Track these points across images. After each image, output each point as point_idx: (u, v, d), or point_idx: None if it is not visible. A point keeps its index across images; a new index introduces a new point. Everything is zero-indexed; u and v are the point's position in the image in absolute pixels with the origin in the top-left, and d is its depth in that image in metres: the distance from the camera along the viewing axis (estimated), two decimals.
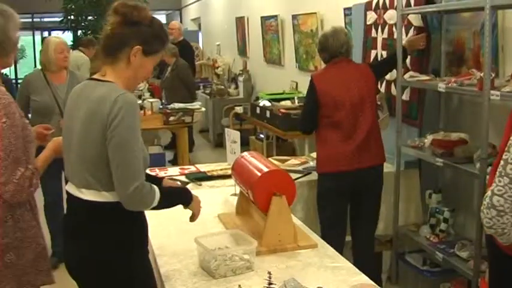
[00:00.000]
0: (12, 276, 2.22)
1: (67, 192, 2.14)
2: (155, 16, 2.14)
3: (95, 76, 2.12)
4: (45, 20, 16.17)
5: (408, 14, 3.80)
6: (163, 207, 2.11)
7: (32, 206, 2.33)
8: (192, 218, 2.37)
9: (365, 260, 3.57)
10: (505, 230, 1.85)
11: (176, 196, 2.27)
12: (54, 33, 14.01)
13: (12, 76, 16.04)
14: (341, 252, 3.49)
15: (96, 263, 2.06)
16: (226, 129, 3.68)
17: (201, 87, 9.87)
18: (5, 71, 17.59)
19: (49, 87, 4.26)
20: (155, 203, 2.05)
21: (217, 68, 10.18)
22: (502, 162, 1.82)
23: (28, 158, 2.22)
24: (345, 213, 3.69)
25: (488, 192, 1.86)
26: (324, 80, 3.60)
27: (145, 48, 2.05)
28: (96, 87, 2.05)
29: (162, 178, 2.49)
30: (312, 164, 4.06)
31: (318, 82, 3.58)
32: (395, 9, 3.79)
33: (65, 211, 2.25)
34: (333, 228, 3.58)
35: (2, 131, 2.10)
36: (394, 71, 3.80)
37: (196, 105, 6.66)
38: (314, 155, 4.38)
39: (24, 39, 16.91)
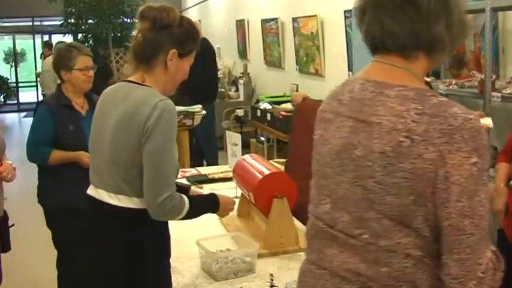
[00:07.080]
0: None
1: (89, 198, 2.03)
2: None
3: (130, 78, 2.01)
4: (46, 23, 16.18)
5: None
6: (190, 218, 2.01)
7: None
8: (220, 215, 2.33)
9: None
10: None
11: (204, 206, 2.15)
12: (54, 37, 14.03)
13: (13, 80, 16.05)
14: None
15: (123, 270, 1.94)
16: (227, 132, 3.68)
17: None
18: (5, 74, 17.37)
19: None
20: (183, 215, 1.96)
21: (218, 71, 10.18)
22: None
23: None
24: None
25: None
26: None
27: (180, 51, 1.97)
28: (134, 89, 1.96)
29: (189, 187, 2.40)
30: None
31: None
32: None
33: None
34: None
35: None
36: None
37: (196, 108, 6.64)
38: None
39: (25, 43, 16.93)
